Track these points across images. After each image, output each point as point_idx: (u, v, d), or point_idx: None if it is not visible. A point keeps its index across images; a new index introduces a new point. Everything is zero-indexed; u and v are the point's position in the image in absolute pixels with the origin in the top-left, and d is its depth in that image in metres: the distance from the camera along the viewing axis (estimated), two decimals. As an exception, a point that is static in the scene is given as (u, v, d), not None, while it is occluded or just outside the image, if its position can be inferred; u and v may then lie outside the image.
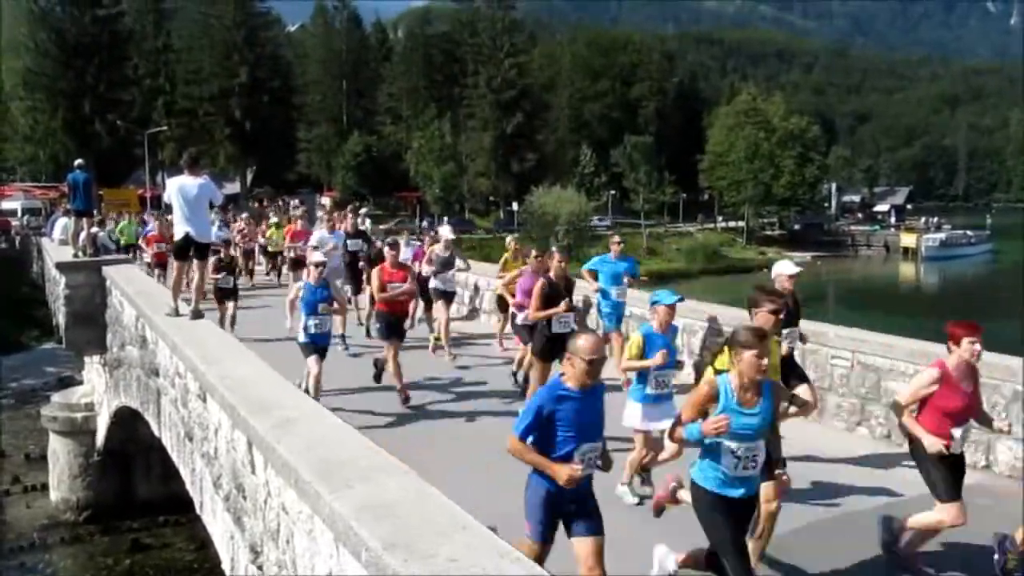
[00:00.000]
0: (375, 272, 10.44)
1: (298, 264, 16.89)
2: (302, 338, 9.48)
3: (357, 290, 15.04)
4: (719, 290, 50.80)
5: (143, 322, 10.51)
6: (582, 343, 4.56)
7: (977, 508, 5.79)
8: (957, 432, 5.37)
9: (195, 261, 10.13)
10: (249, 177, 76.25)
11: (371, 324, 13.22)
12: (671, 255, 73.46)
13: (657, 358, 6.53)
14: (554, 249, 9.27)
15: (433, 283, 12.97)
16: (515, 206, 74.56)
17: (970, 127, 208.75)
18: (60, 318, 16.48)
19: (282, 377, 6.72)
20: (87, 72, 64.66)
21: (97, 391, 16.31)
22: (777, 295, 5.83)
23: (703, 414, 4.58)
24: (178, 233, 9.89)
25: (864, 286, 65.78)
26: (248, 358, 7.50)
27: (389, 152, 79.27)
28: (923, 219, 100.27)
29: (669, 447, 6.27)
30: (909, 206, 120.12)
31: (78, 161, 16.28)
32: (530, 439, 4.59)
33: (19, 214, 49.69)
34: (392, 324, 10.19)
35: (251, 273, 21.72)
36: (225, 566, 6.69)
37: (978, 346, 5.37)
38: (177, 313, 9.71)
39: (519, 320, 10.50)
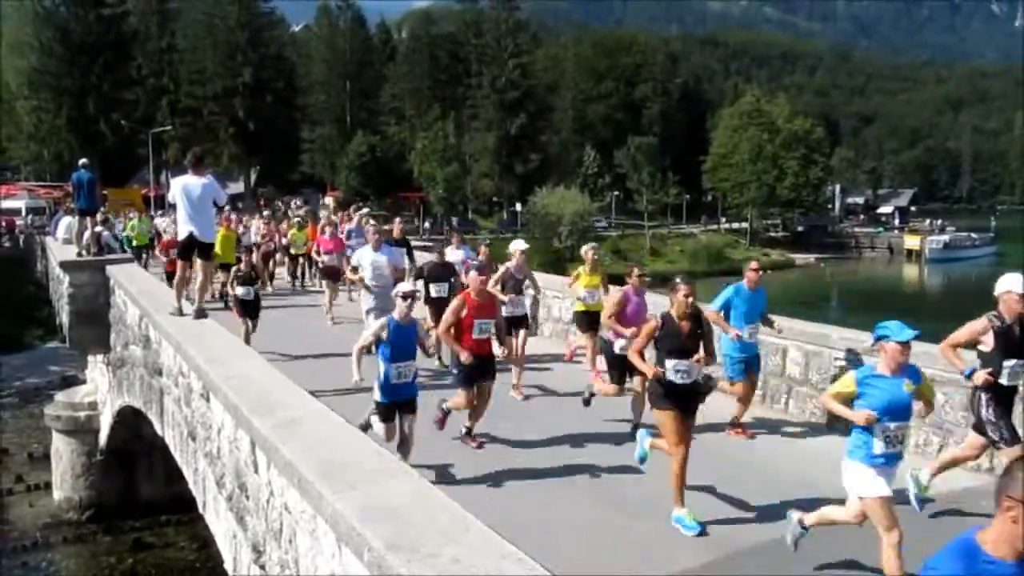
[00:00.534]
0: (457, 302, 7.97)
1: (332, 274, 16.10)
2: (378, 395, 7.13)
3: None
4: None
5: (146, 321, 10.52)
6: None
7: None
8: None
9: (199, 261, 10.14)
10: (253, 177, 76.31)
11: (441, 351, 10.84)
12: (674, 256, 73.39)
13: (860, 415, 5.16)
14: (679, 280, 6.69)
15: (504, 310, 10.23)
16: (519, 207, 74.55)
17: (974, 129, 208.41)
18: (64, 317, 16.50)
19: (286, 377, 6.73)
20: (91, 71, 64.76)
21: (100, 390, 16.33)
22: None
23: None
24: (182, 232, 9.92)
25: (868, 288, 65.65)
26: (252, 358, 7.51)
27: (393, 152, 79.24)
28: (927, 221, 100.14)
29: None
30: (913, 208, 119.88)
31: (82, 160, 16.31)
32: None
33: (23, 213, 49.76)
34: (475, 370, 7.83)
35: (271, 277, 20.25)
36: (227, 566, 6.70)
37: None
38: (181, 313, 9.73)
39: (617, 349, 8.48)
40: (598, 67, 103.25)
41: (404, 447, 7.10)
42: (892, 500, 5.20)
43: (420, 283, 11.46)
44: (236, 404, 5.92)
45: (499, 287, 10.37)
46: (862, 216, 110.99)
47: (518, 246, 10.99)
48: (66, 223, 22.31)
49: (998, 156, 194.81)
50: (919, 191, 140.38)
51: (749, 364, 8.70)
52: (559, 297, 13.68)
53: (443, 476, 7.28)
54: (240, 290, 12.73)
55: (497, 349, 8.50)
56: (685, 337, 6.40)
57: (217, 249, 15.69)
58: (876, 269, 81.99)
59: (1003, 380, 6.41)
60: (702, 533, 6.21)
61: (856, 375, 5.36)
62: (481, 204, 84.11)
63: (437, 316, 10.50)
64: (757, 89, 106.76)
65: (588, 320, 10.73)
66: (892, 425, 5.18)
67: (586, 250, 11.39)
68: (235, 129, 72.91)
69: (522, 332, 10.87)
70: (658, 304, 8.17)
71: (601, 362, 9.67)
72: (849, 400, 5.29)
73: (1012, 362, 6.40)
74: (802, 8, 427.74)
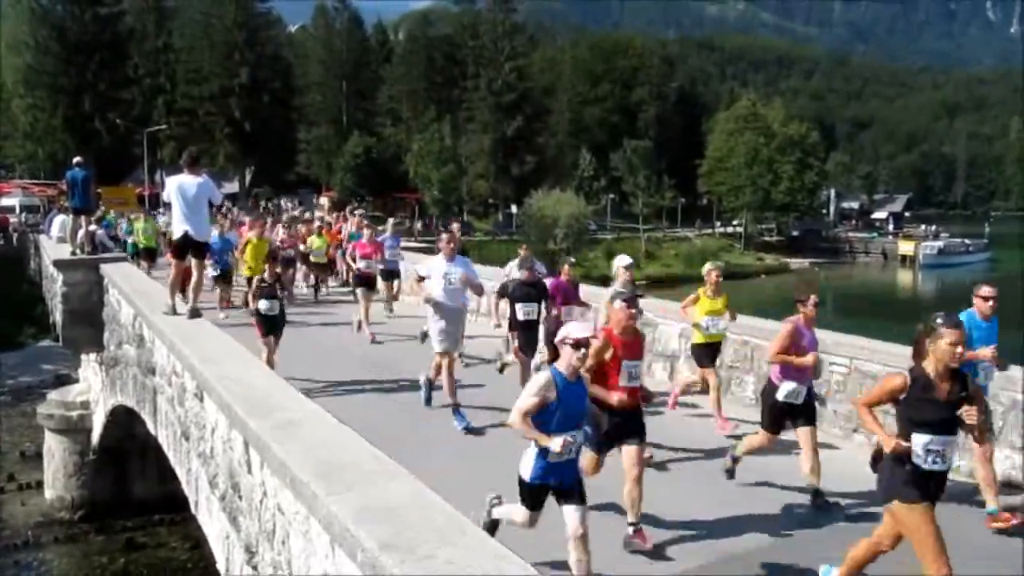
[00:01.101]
0: (599, 342, 6.05)
1: (369, 282, 14.87)
2: (527, 471, 5.26)
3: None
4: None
5: (140, 321, 10.49)
6: None
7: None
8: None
9: (193, 260, 10.12)
10: (248, 177, 76.23)
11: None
12: (669, 260, 73.48)
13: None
14: (941, 322, 4.88)
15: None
16: (514, 209, 74.59)
17: (970, 135, 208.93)
18: (57, 316, 16.44)
19: (282, 379, 6.71)
20: (88, 70, 64.63)
21: (93, 389, 16.29)
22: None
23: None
24: (177, 232, 9.90)
25: (862, 293, 65.77)
26: (246, 358, 7.48)
27: (389, 154, 79.19)
28: (921, 227, 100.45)
29: None
30: (907, 213, 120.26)
31: (77, 159, 16.27)
32: None
33: (17, 211, 49.64)
34: (621, 426, 6.21)
35: (290, 282, 18.24)
36: (220, 566, 6.68)
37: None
38: (175, 312, 9.70)
39: (782, 395, 7.00)
40: (595, 70, 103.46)
41: (579, 552, 5.12)
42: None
43: (504, 303, 10.09)
44: (230, 404, 5.91)
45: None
46: (857, 221, 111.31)
47: (622, 262, 9.17)
48: (60, 221, 22.27)
49: (993, 162, 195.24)
50: (914, 196, 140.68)
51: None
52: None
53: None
54: (263, 304, 10.92)
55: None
56: (945, 404, 4.75)
57: (247, 258, 14.92)
58: (870, 274, 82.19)
59: None
60: None
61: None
62: (477, 206, 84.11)
63: (528, 344, 9.58)
64: (753, 93, 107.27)
65: (709, 353, 9.25)
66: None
67: (708, 270, 9.44)
68: (231, 129, 72.81)
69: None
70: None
71: (724, 406, 9.12)
72: None
73: None
74: (799, 13, 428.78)
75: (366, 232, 15.87)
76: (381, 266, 15.54)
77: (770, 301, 45.49)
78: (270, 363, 9.99)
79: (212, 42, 73.91)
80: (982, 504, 6.72)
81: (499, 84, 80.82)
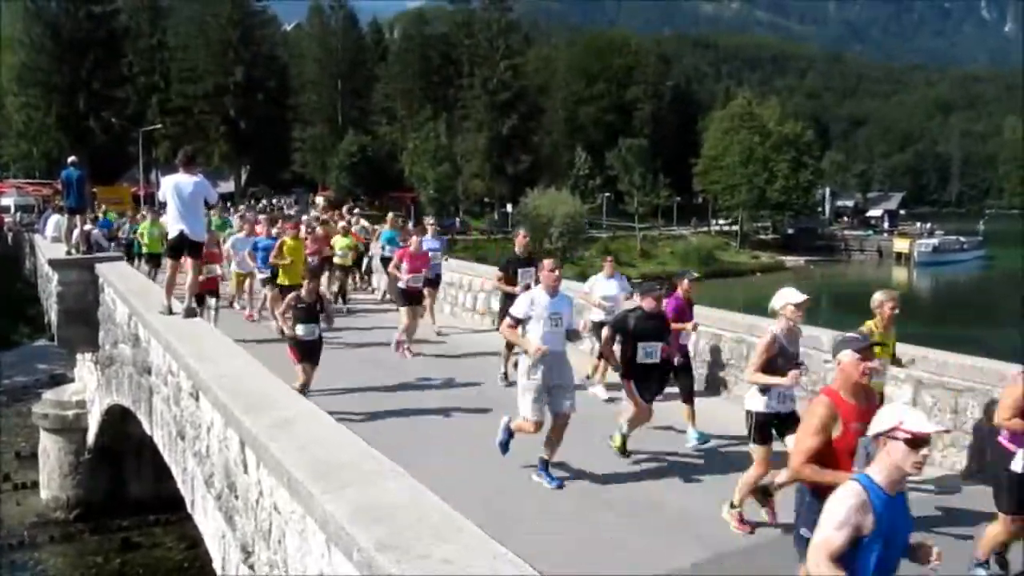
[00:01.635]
0: (823, 410, 4.52)
1: (414, 299, 13.18)
2: None
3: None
4: (712, 293, 50.83)
5: (136, 320, 10.48)
6: None
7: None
8: None
9: (189, 260, 10.11)
10: (244, 176, 76.13)
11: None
12: (665, 258, 73.53)
13: None
14: None
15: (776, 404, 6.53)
16: (509, 208, 74.58)
17: (964, 134, 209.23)
18: (52, 315, 16.42)
19: (277, 377, 6.71)
20: (82, 68, 64.53)
21: (89, 389, 16.25)
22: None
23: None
24: (172, 231, 9.89)
25: (857, 291, 65.73)
26: (242, 357, 7.48)
27: (384, 152, 79.17)
28: (916, 224, 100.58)
29: None
30: (902, 211, 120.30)
31: (71, 158, 16.25)
32: None
33: (12, 210, 49.51)
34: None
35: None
36: (216, 565, 6.68)
37: None
38: (170, 311, 9.69)
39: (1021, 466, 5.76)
40: (590, 69, 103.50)
41: None
42: None
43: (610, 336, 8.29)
44: (225, 403, 5.91)
45: (762, 365, 6.38)
46: (852, 219, 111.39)
47: (789, 298, 6.55)
48: (55, 221, 22.21)
49: (988, 160, 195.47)
50: (909, 194, 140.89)
51: None
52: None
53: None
54: (302, 329, 9.37)
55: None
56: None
57: (285, 254, 13.43)
58: (865, 272, 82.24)
59: None
60: None
61: None
62: (472, 205, 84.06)
63: (646, 392, 7.84)
64: (748, 92, 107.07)
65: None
66: None
67: (881, 301, 7.21)
68: (226, 128, 72.76)
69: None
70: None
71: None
72: None
73: None
74: (794, 11, 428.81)
75: (414, 240, 13.47)
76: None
77: (765, 300, 45.48)
78: (303, 392, 8.62)
79: (207, 40, 73.82)
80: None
81: (494, 83, 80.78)
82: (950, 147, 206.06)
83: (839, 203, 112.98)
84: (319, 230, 17.99)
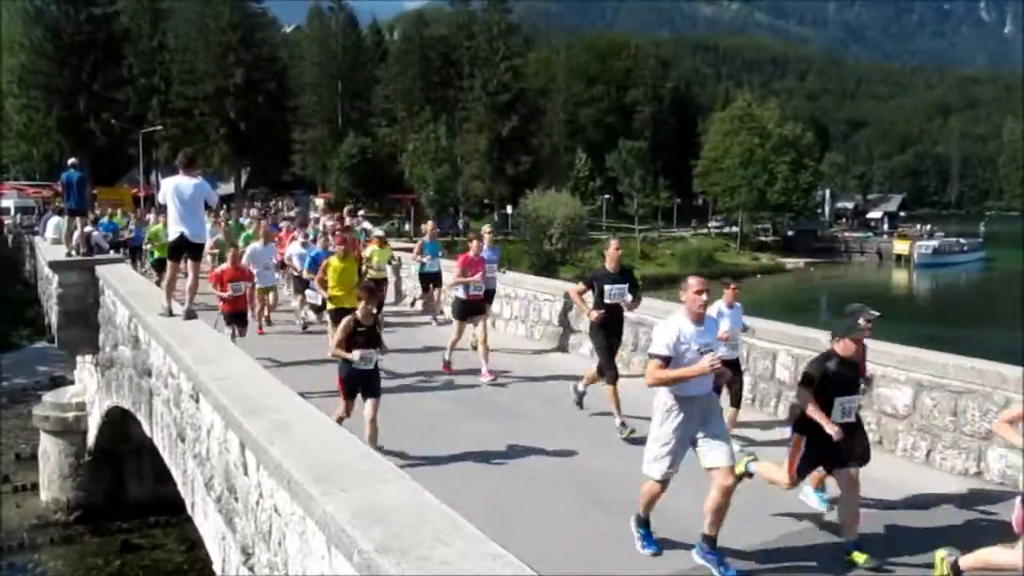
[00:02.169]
0: None
1: (472, 310, 11.58)
2: None
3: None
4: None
5: (136, 322, 10.48)
6: None
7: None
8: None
9: (189, 262, 10.11)
10: (244, 178, 76.15)
11: None
12: (665, 260, 73.59)
13: None
14: None
15: None
16: (509, 209, 74.61)
17: (963, 135, 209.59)
18: (52, 317, 16.42)
19: (277, 379, 6.71)
20: (82, 71, 64.53)
21: (89, 391, 16.26)
22: None
23: None
24: (172, 233, 9.89)
25: (857, 292, 65.75)
26: (242, 359, 7.48)
27: (384, 154, 79.20)
28: (916, 226, 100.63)
29: None
30: (902, 213, 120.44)
31: (71, 160, 16.27)
32: None
33: (12, 212, 49.54)
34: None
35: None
36: (216, 567, 6.68)
37: None
38: (170, 313, 9.69)
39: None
40: (589, 70, 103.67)
41: None
42: None
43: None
44: (226, 405, 5.91)
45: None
46: (852, 221, 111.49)
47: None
48: (55, 223, 22.20)
49: (987, 161, 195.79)
50: (908, 196, 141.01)
51: None
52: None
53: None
54: (357, 354, 7.84)
55: None
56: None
57: (331, 282, 11.04)
58: (865, 273, 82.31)
59: None
60: None
61: None
62: (472, 206, 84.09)
63: (828, 457, 6.01)
64: (748, 93, 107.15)
65: None
66: None
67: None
68: (226, 130, 72.76)
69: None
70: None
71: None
72: None
73: None
74: (793, 13, 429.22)
75: (473, 245, 12.04)
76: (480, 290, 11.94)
77: (764, 302, 45.61)
78: (373, 443, 7.47)
79: (207, 42, 73.84)
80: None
81: (494, 84, 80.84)
82: (950, 149, 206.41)
83: (839, 205, 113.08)
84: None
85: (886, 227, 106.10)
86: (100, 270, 14.28)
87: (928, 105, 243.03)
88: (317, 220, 22.92)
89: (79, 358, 16.99)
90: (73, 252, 15.46)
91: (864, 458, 6.40)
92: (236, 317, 12.27)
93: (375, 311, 8.27)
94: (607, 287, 9.03)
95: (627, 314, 9.47)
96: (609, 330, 9.14)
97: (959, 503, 6.95)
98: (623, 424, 8.67)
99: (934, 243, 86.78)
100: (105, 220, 23.54)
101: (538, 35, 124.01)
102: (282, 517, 4.83)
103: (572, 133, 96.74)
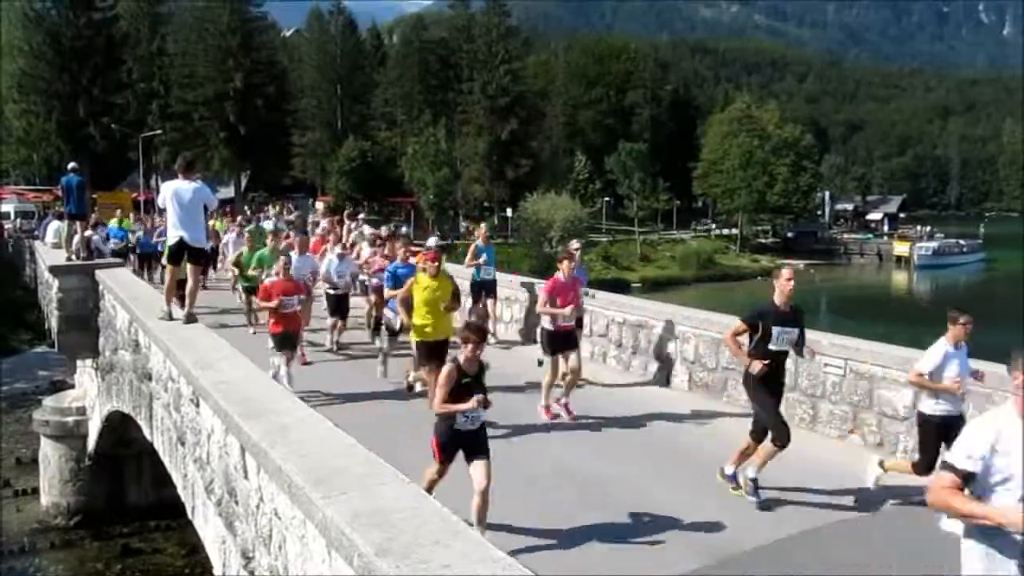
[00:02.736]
0: None
1: (564, 342, 9.66)
2: None
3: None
4: (712, 297, 50.92)
5: (136, 326, 10.48)
6: None
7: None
8: None
9: (189, 266, 10.11)
10: (243, 181, 76.18)
11: None
12: (665, 262, 73.63)
13: None
14: None
15: None
16: (509, 212, 74.63)
17: (963, 137, 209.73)
18: (52, 322, 16.42)
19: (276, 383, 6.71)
20: (82, 75, 64.56)
21: (89, 395, 16.26)
22: None
23: None
24: (172, 238, 9.90)
25: (857, 294, 65.94)
26: (242, 363, 7.48)
27: (384, 157, 79.21)
28: (916, 228, 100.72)
29: None
30: (902, 215, 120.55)
31: (71, 164, 16.31)
32: None
33: (12, 217, 49.58)
34: None
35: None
36: (216, 571, 6.68)
37: None
38: (170, 317, 9.69)
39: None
40: (589, 73, 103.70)
41: None
42: None
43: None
44: (226, 409, 5.91)
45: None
46: (851, 222, 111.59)
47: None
48: (55, 227, 22.19)
49: (986, 163, 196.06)
50: (908, 198, 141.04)
51: None
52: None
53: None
54: (470, 403, 6.08)
55: None
56: None
57: (418, 305, 9.23)
58: (865, 275, 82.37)
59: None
60: None
61: None
62: (472, 209, 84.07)
63: None
64: (747, 96, 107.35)
65: None
66: None
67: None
68: (226, 133, 72.73)
69: None
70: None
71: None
72: None
73: None
74: (792, 15, 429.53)
75: (564, 266, 9.91)
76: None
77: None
78: (480, 519, 5.87)
79: (206, 47, 73.83)
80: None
81: (493, 87, 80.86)
82: (949, 150, 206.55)
83: (838, 206, 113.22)
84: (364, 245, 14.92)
85: (886, 229, 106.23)
86: (100, 274, 14.28)
87: (927, 107, 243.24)
88: (316, 224, 22.84)
89: (79, 362, 16.98)
90: (73, 256, 15.47)
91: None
92: (287, 340, 10.30)
93: (480, 356, 6.32)
94: (775, 330, 7.12)
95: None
96: (772, 385, 7.29)
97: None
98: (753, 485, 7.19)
99: (934, 244, 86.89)
100: (114, 226, 22.20)
101: (537, 38, 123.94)
102: (282, 521, 4.83)
103: (571, 136, 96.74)
